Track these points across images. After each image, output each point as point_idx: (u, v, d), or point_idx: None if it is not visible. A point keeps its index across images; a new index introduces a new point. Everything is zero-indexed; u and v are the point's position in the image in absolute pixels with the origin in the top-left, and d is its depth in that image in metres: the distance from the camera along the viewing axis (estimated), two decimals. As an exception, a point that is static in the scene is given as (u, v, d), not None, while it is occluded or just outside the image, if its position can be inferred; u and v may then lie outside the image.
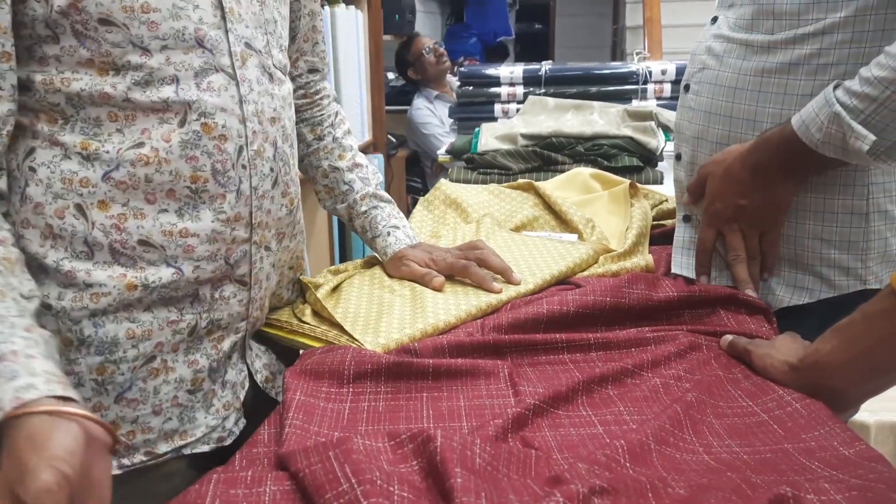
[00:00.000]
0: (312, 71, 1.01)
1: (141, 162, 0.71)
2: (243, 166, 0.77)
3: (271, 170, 0.81)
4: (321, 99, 1.04)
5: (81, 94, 0.70)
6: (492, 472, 0.51)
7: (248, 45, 0.77)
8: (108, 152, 0.71)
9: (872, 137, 0.76)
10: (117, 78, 0.70)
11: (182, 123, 0.73)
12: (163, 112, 0.72)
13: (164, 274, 0.74)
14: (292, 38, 0.95)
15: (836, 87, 0.79)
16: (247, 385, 0.85)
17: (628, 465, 0.56)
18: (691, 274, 0.98)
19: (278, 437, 0.62)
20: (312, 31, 0.99)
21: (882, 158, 0.79)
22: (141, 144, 0.71)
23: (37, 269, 0.72)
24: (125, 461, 0.76)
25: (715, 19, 0.97)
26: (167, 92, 0.71)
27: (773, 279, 0.93)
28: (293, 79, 0.98)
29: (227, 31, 0.75)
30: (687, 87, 0.99)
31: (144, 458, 0.77)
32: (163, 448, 0.78)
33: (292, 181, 0.86)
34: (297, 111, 1.01)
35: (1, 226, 0.68)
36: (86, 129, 0.71)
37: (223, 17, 0.74)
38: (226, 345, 0.82)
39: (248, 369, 0.86)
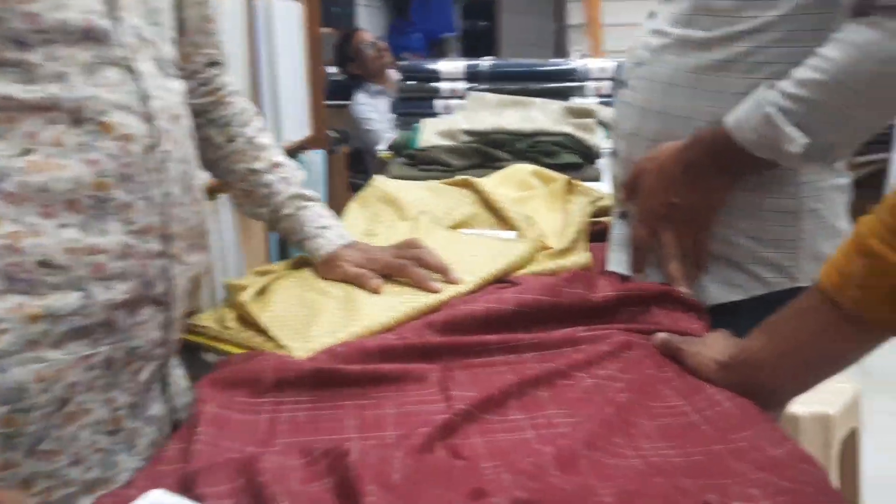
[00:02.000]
0: (212, 64, 0.94)
1: (33, 170, 0.63)
2: (152, 170, 0.70)
3: (182, 173, 0.74)
4: (227, 96, 0.96)
5: None
6: (411, 488, 0.49)
7: (139, 36, 0.71)
8: None
9: (805, 140, 0.76)
10: None
11: (75, 123, 0.65)
12: (49, 111, 0.64)
13: (71, 299, 0.65)
14: (183, 30, 0.88)
15: (769, 88, 0.79)
16: (171, 420, 0.78)
17: (556, 472, 0.54)
18: (627, 271, 0.97)
19: (186, 454, 0.58)
20: (205, 21, 0.91)
21: (813, 161, 0.79)
22: (29, 150, 0.63)
23: None
24: None
25: (653, 14, 0.97)
26: (53, 89, 0.64)
27: (707, 276, 0.93)
28: (192, 75, 0.91)
29: (116, 21, 0.68)
30: (624, 83, 0.98)
31: None
32: (85, 502, 0.68)
33: (199, 186, 0.79)
34: (203, 111, 0.94)
35: None
36: None
37: (110, 5, 0.68)
38: (144, 375, 0.74)
39: (170, 404, 0.78)
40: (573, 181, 1.29)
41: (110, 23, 0.67)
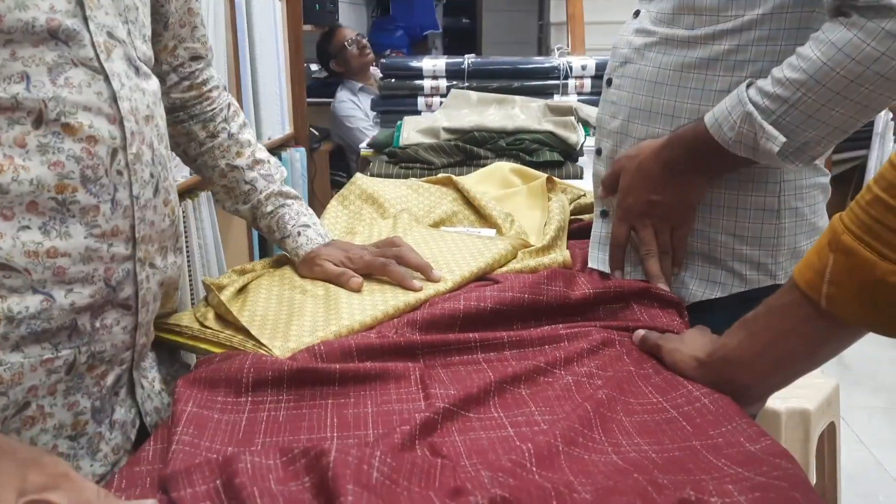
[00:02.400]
0: (195, 58, 0.92)
1: None
2: (119, 172, 0.68)
3: (151, 175, 0.72)
4: (210, 91, 0.95)
5: None
6: (390, 486, 0.48)
7: (110, 35, 0.69)
8: None
9: (783, 139, 0.77)
10: None
11: (38, 124, 0.63)
12: (12, 111, 0.62)
13: (32, 302, 0.63)
14: (165, 25, 0.87)
15: (748, 86, 0.80)
16: (137, 424, 0.76)
17: (535, 469, 0.54)
18: (607, 269, 0.97)
19: (163, 454, 0.57)
20: (188, 14, 0.89)
21: (790, 159, 0.80)
22: None
23: None
24: None
25: (637, 13, 0.97)
26: (17, 89, 0.62)
27: (687, 274, 0.93)
28: (174, 69, 0.91)
29: (86, 20, 0.66)
30: (609, 82, 0.98)
31: None
32: None
33: (171, 188, 0.78)
34: (185, 106, 0.93)
35: None
36: None
37: (80, 4, 0.66)
38: (109, 380, 0.72)
39: (138, 408, 0.77)
40: (554, 179, 1.29)
41: (79, 22, 0.65)
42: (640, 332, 0.80)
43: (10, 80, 0.61)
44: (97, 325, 0.69)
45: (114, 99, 0.67)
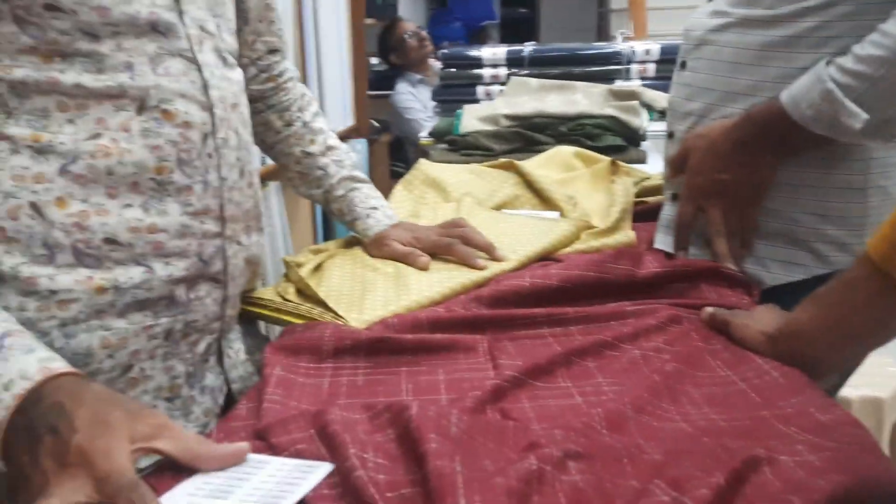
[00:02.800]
0: (272, 52, 0.97)
1: (101, 153, 0.66)
2: (209, 155, 0.73)
3: (237, 159, 0.77)
4: (286, 82, 1.00)
5: (27, 82, 0.64)
6: (467, 441, 0.51)
7: (202, 28, 0.73)
8: (63, 144, 0.65)
9: (865, 116, 0.76)
10: (64, 65, 0.65)
11: (140, 111, 0.68)
12: (118, 99, 0.67)
13: (134, 273, 0.69)
14: (245, 20, 0.91)
15: (828, 64, 0.79)
16: (225, 390, 0.82)
17: (605, 432, 0.56)
18: (670, 248, 0.98)
19: (256, 412, 0.62)
20: (266, 10, 0.94)
21: (871, 137, 0.79)
22: (98, 135, 0.66)
23: None
24: (142, 464, 0.71)
25: None
26: (122, 78, 0.67)
27: (767, 255, 0.93)
28: (253, 62, 0.95)
29: (181, 14, 0.71)
30: (683, 64, 0.98)
31: None
32: (144, 462, 0.71)
33: (255, 171, 0.83)
34: (263, 97, 0.98)
35: None
36: (33, 121, 0.65)
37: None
38: (201, 347, 0.78)
39: (225, 375, 0.82)
40: (617, 162, 1.29)
41: (175, 16, 0.70)
42: (709, 309, 0.81)
43: (116, 69, 0.66)
44: (191, 296, 0.74)
45: (205, 87, 0.72)
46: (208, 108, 0.72)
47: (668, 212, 1.01)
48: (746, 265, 0.93)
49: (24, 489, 0.49)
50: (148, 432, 0.51)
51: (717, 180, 0.90)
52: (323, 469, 0.50)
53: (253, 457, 0.53)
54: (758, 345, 0.73)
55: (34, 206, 0.65)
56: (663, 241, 1.00)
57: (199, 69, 0.72)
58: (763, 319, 0.75)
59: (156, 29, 0.69)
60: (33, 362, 0.53)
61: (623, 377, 0.69)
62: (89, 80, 0.65)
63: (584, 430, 0.55)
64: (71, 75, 0.65)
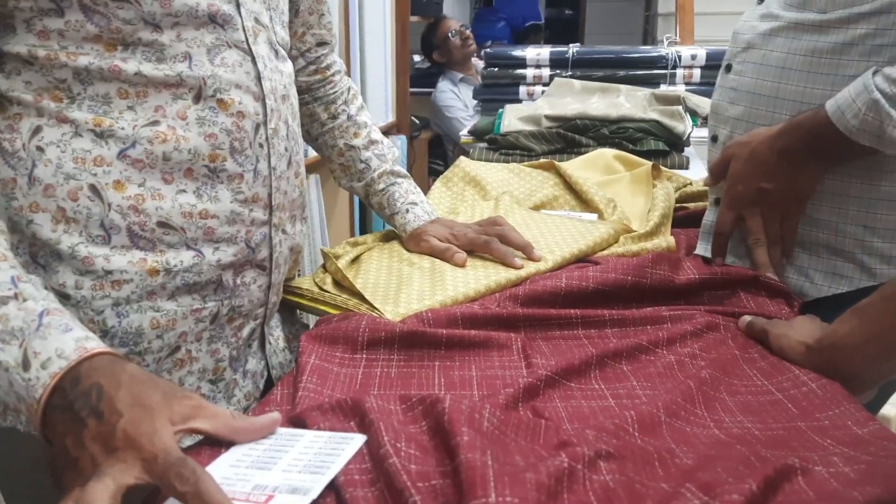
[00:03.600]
0: (321, 44, 0.99)
1: (158, 139, 0.68)
2: (260, 145, 0.74)
3: (286, 149, 0.79)
4: (333, 75, 1.01)
5: (90, 68, 0.66)
6: (499, 436, 0.51)
7: (256, 21, 0.75)
8: (122, 129, 0.67)
9: None
10: (126, 53, 0.67)
11: (197, 99, 0.70)
12: (176, 87, 0.69)
13: (185, 257, 0.71)
14: (296, 12, 0.93)
15: (875, 74, 0.78)
16: (265, 375, 0.84)
17: (637, 434, 0.56)
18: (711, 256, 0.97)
19: (291, 398, 0.63)
20: (316, 3, 0.96)
21: None
22: (156, 122, 0.68)
23: (49, 255, 0.68)
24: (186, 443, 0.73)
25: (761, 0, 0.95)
26: (180, 67, 0.69)
27: (811, 267, 0.91)
28: (302, 54, 0.97)
29: (238, 6, 0.72)
30: (729, 68, 0.97)
31: None
32: (187, 442, 0.73)
33: (301, 162, 0.84)
34: (310, 89, 1.00)
35: None
36: (94, 107, 0.67)
37: None
38: (245, 332, 0.80)
39: (266, 361, 0.84)
40: (659, 166, 1.28)
41: (233, 8, 0.72)
42: (747, 317, 0.80)
43: (175, 59, 0.68)
44: (238, 281, 0.76)
45: (258, 78, 0.74)
46: (261, 98, 0.74)
47: (710, 217, 1.00)
48: (790, 276, 0.92)
49: (71, 470, 0.50)
50: (186, 413, 0.53)
51: (759, 189, 0.89)
52: (358, 439, 0.52)
53: (286, 430, 0.55)
54: (796, 355, 0.72)
55: (93, 189, 0.67)
56: (705, 249, 0.99)
57: (254, 60, 0.73)
58: (802, 330, 0.74)
59: (214, 20, 0.70)
60: (70, 341, 0.54)
61: (657, 381, 0.69)
62: (149, 68, 0.67)
63: (616, 432, 0.55)
64: (132, 64, 0.67)
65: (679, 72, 1.91)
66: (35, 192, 0.67)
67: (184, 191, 0.70)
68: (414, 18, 3.19)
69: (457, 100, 3.44)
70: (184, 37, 0.69)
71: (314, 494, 0.47)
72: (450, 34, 3.48)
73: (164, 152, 0.69)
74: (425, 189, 1.28)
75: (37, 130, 0.67)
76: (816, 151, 0.85)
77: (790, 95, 0.88)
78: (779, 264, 0.91)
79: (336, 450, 0.51)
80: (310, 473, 0.49)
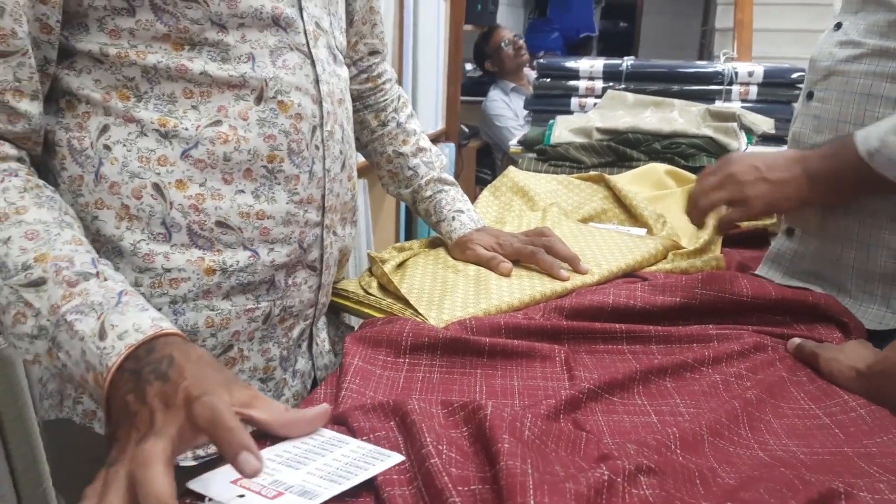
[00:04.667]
0: (373, 53, 1.00)
1: (220, 140, 0.70)
2: (316, 147, 0.76)
3: (340, 152, 0.80)
4: (384, 83, 1.03)
5: (158, 67, 0.68)
6: (540, 445, 0.52)
7: (317, 25, 0.76)
8: (186, 129, 0.69)
9: None
10: (193, 53, 0.68)
11: (259, 100, 0.71)
12: (239, 88, 0.70)
13: (241, 257, 0.73)
14: (350, 21, 0.94)
15: None
16: (313, 376, 0.85)
17: (679, 451, 0.55)
18: (774, 279, 0.95)
19: (334, 398, 0.64)
20: (370, 13, 0.97)
21: None
22: (219, 122, 0.70)
23: (111, 251, 0.70)
24: (200, 452, 0.74)
25: (839, 25, 0.94)
26: (244, 68, 0.70)
27: (866, 298, 0.89)
28: (354, 63, 0.98)
29: (301, 10, 0.74)
30: (811, 95, 0.96)
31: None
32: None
33: (354, 166, 0.86)
34: (361, 97, 1.01)
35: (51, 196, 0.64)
36: (160, 105, 0.69)
37: None
38: (295, 332, 0.81)
39: (314, 361, 0.85)
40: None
41: (296, 11, 0.74)
42: (796, 339, 0.78)
43: (239, 59, 0.70)
44: (289, 282, 0.78)
45: (317, 81, 0.75)
46: (318, 101, 0.75)
47: (778, 246, 0.98)
48: (870, 306, 0.89)
49: (126, 426, 0.52)
50: (244, 400, 0.54)
51: (758, 179, 0.88)
52: (393, 459, 0.52)
53: (334, 435, 0.56)
54: (846, 380, 0.70)
55: (156, 187, 0.69)
56: (766, 272, 0.97)
57: (313, 64, 0.75)
58: (853, 354, 0.72)
59: (277, 23, 0.72)
60: (147, 319, 0.57)
61: (701, 400, 0.68)
62: (214, 68, 0.69)
63: (658, 448, 0.55)
64: (198, 63, 0.68)
65: (735, 88, 1.88)
66: (101, 190, 0.69)
67: (242, 191, 0.72)
68: (467, 27, 3.21)
69: (507, 109, 3.44)
70: (248, 38, 0.70)
71: (319, 501, 0.48)
72: (503, 44, 3.49)
73: (224, 153, 0.70)
74: (473, 198, 1.29)
75: (104, 129, 0.69)
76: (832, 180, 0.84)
77: (878, 121, 0.86)
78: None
79: (368, 464, 0.52)
80: (329, 481, 0.50)
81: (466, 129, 3.37)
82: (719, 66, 1.93)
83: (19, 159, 0.65)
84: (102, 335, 0.55)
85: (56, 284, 0.58)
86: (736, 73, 1.88)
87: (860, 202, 0.87)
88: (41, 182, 0.65)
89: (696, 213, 0.94)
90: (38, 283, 0.58)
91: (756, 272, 0.98)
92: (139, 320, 0.56)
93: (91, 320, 0.56)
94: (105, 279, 0.60)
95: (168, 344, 0.55)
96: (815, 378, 0.73)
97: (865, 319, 0.87)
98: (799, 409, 0.67)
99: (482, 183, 3.59)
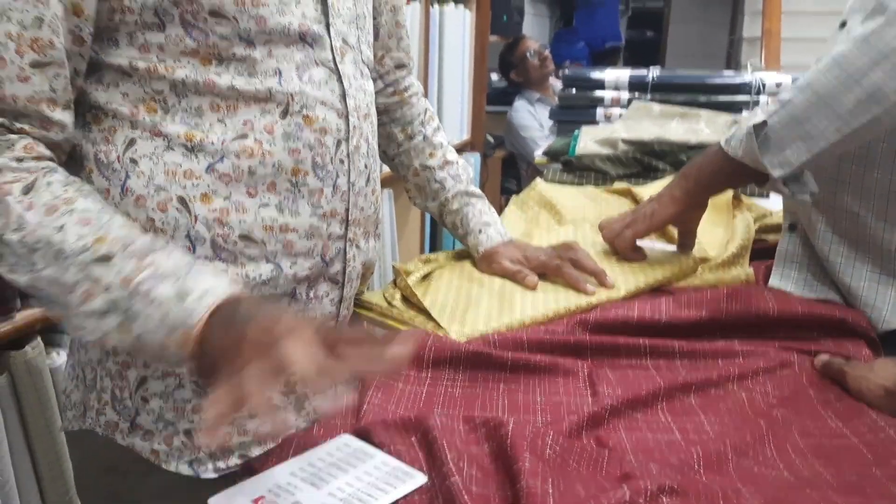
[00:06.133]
0: (399, 67, 1.01)
1: (245, 153, 0.70)
2: (341, 161, 0.76)
3: (365, 166, 0.80)
4: (411, 97, 1.03)
5: (186, 82, 0.68)
6: (561, 464, 0.52)
7: (344, 41, 0.77)
8: (212, 143, 0.69)
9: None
10: (220, 68, 0.69)
11: (284, 115, 0.72)
12: (265, 102, 0.71)
13: (264, 270, 0.73)
14: (375, 35, 0.94)
15: None
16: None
17: (702, 471, 0.55)
18: (792, 288, 0.94)
19: (355, 411, 0.64)
20: (396, 27, 0.97)
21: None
22: (244, 136, 0.70)
23: None
24: (220, 464, 0.74)
25: (843, 24, 0.93)
26: (271, 82, 0.71)
27: (879, 298, 0.87)
28: (381, 76, 0.99)
29: (328, 26, 0.75)
30: None
31: (239, 462, 0.74)
32: (255, 451, 0.74)
33: (378, 179, 0.86)
34: (388, 110, 1.01)
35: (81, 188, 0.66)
36: (187, 119, 0.69)
37: (325, 12, 0.75)
38: None
39: None
40: (739, 196, 1.25)
41: (323, 28, 0.74)
42: (824, 356, 0.77)
43: (266, 74, 0.71)
44: (311, 295, 0.78)
45: (343, 96, 0.76)
46: (344, 115, 0.76)
47: (784, 244, 0.97)
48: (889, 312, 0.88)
49: (233, 361, 0.54)
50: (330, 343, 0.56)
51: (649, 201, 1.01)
52: (416, 480, 0.52)
53: (360, 446, 0.56)
54: (875, 399, 0.69)
55: (182, 201, 0.70)
56: (780, 276, 0.96)
57: (340, 79, 0.76)
58: (883, 372, 0.71)
59: (304, 39, 0.73)
60: (223, 283, 0.60)
61: (726, 418, 0.67)
62: (241, 82, 0.70)
63: (681, 467, 0.54)
64: (226, 78, 0.69)
65: (763, 98, 1.86)
66: (127, 203, 0.70)
67: (266, 204, 0.72)
68: (493, 38, 3.22)
69: (532, 119, 3.44)
70: (275, 53, 0.71)
71: None
72: (528, 54, 3.50)
73: (249, 166, 0.71)
74: (498, 208, 1.29)
75: (131, 143, 0.69)
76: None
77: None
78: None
79: (390, 485, 0.52)
80: (352, 502, 0.50)
81: (492, 140, 3.38)
82: (746, 76, 1.91)
83: (50, 158, 0.67)
84: (181, 297, 0.58)
85: (124, 258, 0.60)
86: (763, 84, 1.86)
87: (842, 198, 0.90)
88: (78, 178, 0.67)
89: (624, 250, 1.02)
90: (105, 258, 0.60)
91: (771, 282, 0.96)
92: (215, 284, 0.60)
93: (167, 286, 0.59)
94: (171, 252, 0.62)
95: (248, 300, 0.59)
96: (842, 396, 0.71)
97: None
98: (826, 427, 0.66)
99: (507, 193, 3.59)
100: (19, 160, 0.63)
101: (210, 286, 0.59)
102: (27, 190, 0.62)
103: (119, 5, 0.66)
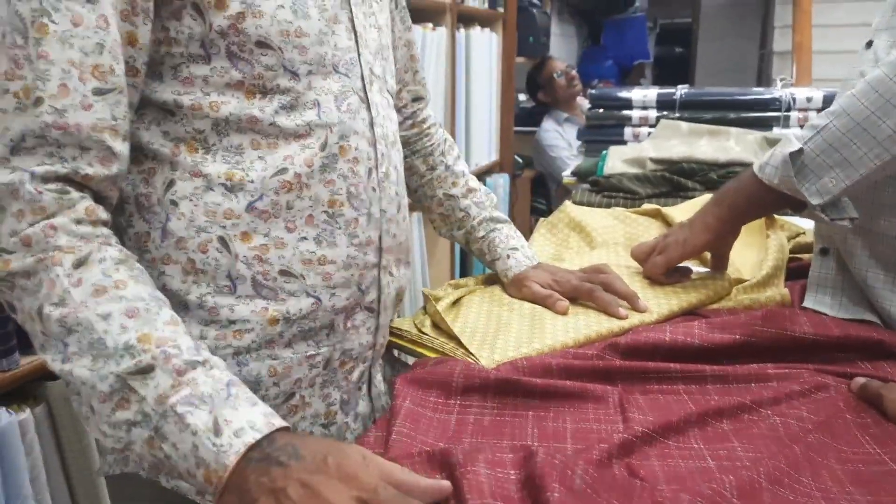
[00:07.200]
0: (417, 99, 1.02)
1: (284, 189, 0.70)
2: (373, 189, 0.77)
3: (396, 193, 0.81)
4: (429, 128, 1.04)
5: (229, 119, 0.68)
6: (591, 495, 0.51)
7: (371, 70, 0.78)
8: (252, 182, 0.69)
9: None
10: (264, 101, 0.69)
11: (323, 147, 0.72)
12: (305, 137, 0.71)
13: (304, 304, 0.73)
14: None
15: None
16: (373, 418, 0.85)
17: (735, 501, 0.54)
18: (826, 310, 0.92)
19: (383, 441, 0.65)
20: (411, 61, 0.99)
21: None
22: (284, 171, 0.70)
23: (177, 306, 0.69)
24: None
25: (870, 44, 0.92)
26: (310, 115, 0.71)
27: None
28: (399, 110, 1.00)
29: (359, 55, 0.76)
30: None
31: None
32: None
33: (406, 206, 0.86)
34: (408, 143, 1.03)
35: (131, 265, 0.63)
36: (227, 157, 0.69)
37: (356, 42, 0.75)
38: (355, 375, 0.81)
39: (372, 404, 0.85)
40: (772, 215, 1.23)
41: (355, 57, 0.76)
42: (860, 379, 0.76)
43: (307, 106, 0.72)
44: (348, 325, 0.78)
45: (371, 125, 0.77)
46: (373, 143, 0.77)
47: (817, 269, 0.96)
48: None
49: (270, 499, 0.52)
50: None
51: (679, 227, 1.00)
52: None
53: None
54: (915, 423, 0.67)
55: (222, 241, 0.70)
56: (814, 300, 0.95)
57: (369, 108, 0.77)
58: (924, 397, 0.69)
59: (339, 70, 0.74)
60: (259, 415, 0.56)
61: (760, 444, 0.66)
62: (283, 119, 0.70)
63: (713, 497, 0.53)
64: (268, 112, 0.69)
65: (793, 114, 1.84)
66: (167, 245, 0.69)
67: (305, 238, 0.72)
68: (520, 59, 3.24)
69: (560, 139, 3.44)
70: (314, 85, 0.72)
71: None
72: (555, 74, 3.50)
73: (287, 201, 0.71)
74: (528, 228, 1.29)
75: (170, 184, 0.69)
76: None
77: None
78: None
79: None
80: None
81: (520, 160, 3.38)
82: (776, 91, 1.89)
83: (106, 223, 0.64)
84: (217, 431, 0.54)
85: (164, 373, 0.57)
86: (794, 99, 1.84)
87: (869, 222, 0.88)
88: (129, 252, 0.65)
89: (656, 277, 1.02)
90: (146, 371, 0.57)
91: (805, 304, 0.95)
92: (252, 417, 0.56)
93: (203, 414, 0.55)
94: (211, 367, 0.59)
95: (285, 435, 0.56)
96: (881, 420, 0.70)
97: None
98: (863, 453, 0.64)
99: (537, 213, 3.59)
100: (78, 222, 0.61)
101: (247, 421, 0.56)
102: (79, 264, 0.60)
103: (166, 37, 0.66)
